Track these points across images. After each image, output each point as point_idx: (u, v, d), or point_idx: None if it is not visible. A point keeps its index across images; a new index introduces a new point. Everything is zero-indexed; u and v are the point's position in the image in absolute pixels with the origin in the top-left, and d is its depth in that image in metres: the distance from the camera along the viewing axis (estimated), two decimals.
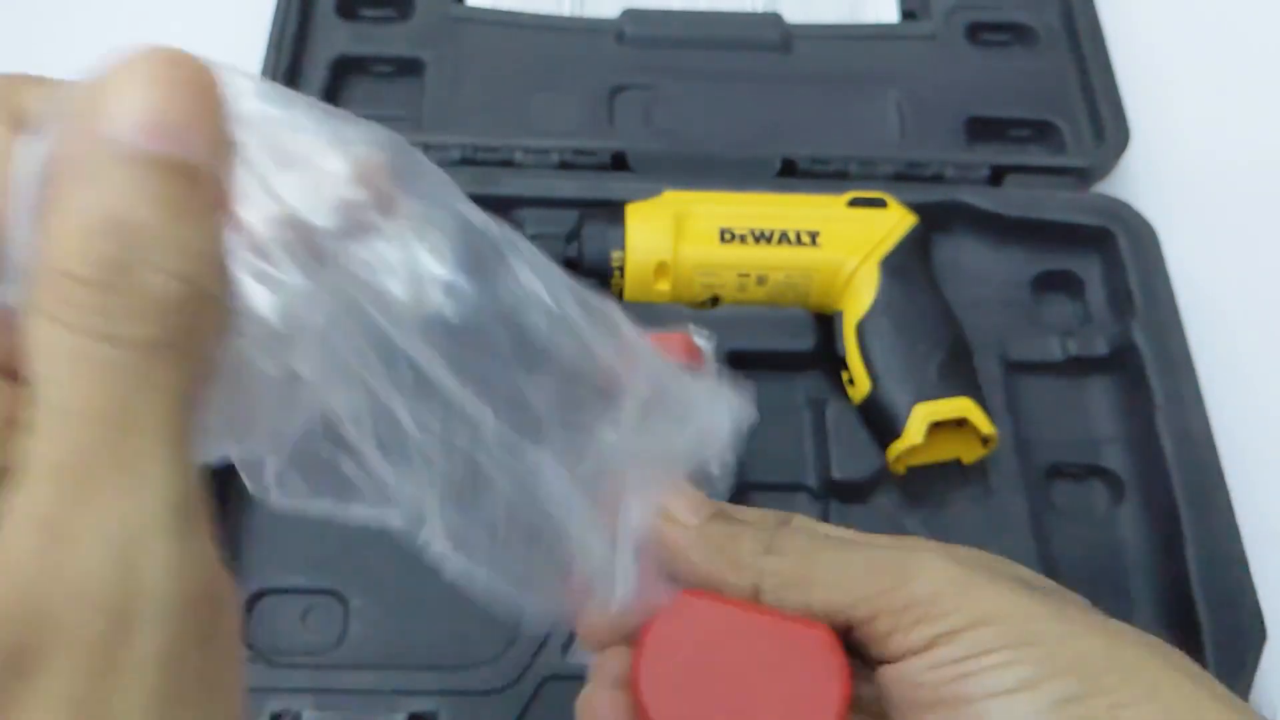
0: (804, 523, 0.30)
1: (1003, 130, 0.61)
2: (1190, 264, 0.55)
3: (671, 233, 0.51)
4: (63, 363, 0.18)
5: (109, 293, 0.18)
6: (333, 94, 0.60)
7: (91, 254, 0.18)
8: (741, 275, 0.52)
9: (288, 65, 0.59)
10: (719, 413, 0.28)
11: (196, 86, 0.19)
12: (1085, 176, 0.58)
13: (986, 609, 0.26)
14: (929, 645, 0.26)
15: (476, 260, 0.21)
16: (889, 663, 0.27)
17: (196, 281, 0.19)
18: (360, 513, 0.22)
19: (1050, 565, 0.48)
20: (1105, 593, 0.48)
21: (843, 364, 0.51)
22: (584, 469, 0.25)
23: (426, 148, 0.56)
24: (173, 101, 0.19)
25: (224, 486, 0.47)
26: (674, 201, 0.53)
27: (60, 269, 0.18)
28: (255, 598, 0.47)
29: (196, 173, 0.19)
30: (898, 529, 0.49)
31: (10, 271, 0.19)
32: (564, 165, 0.57)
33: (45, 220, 0.19)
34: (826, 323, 0.52)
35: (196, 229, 0.19)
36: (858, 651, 0.28)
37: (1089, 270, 0.56)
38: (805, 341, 0.52)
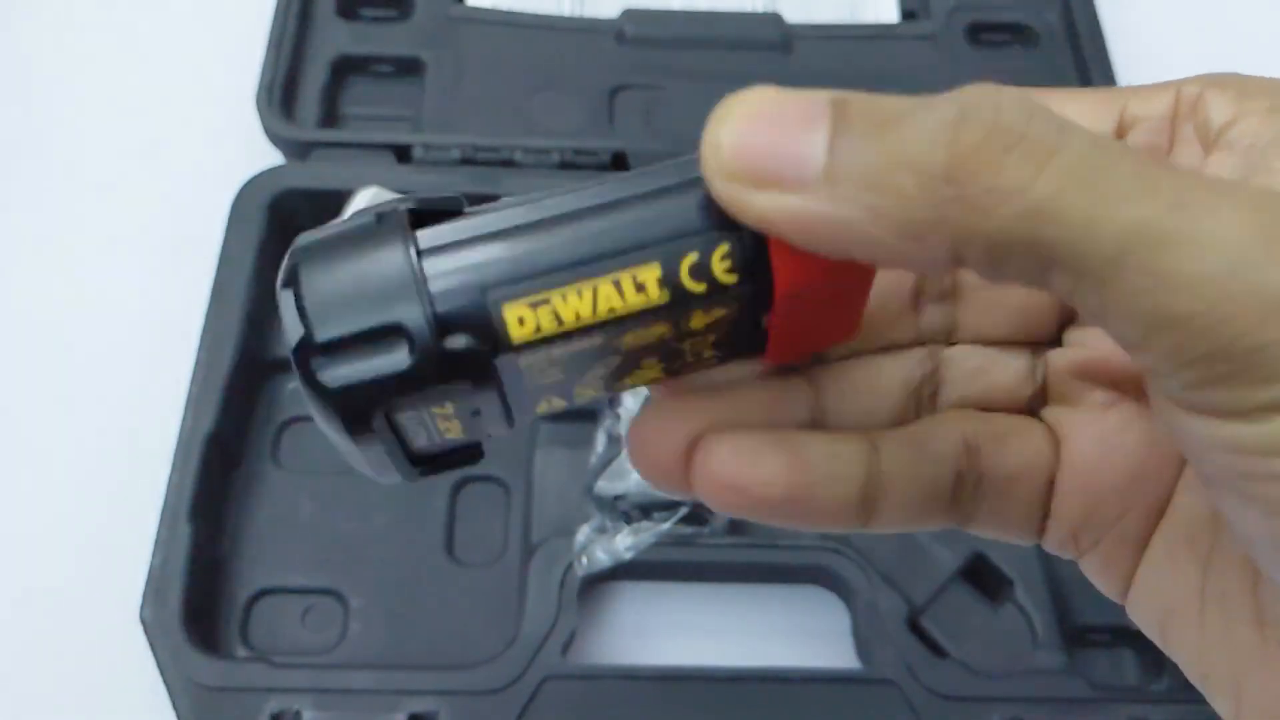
0: (1015, 101, 0.16)
1: None
2: None
3: None
4: None
5: None
6: (333, 94, 0.60)
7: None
8: None
9: (287, 65, 0.59)
10: None
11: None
12: None
13: None
14: (1225, 414, 0.16)
15: None
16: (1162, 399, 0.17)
17: None
18: None
19: None
20: None
21: None
22: None
23: (427, 148, 0.56)
24: None
25: (223, 486, 0.47)
26: None
27: None
28: (255, 598, 0.46)
29: None
30: None
31: None
32: (564, 165, 0.57)
33: None
34: None
35: None
36: None
37: None
38: None
